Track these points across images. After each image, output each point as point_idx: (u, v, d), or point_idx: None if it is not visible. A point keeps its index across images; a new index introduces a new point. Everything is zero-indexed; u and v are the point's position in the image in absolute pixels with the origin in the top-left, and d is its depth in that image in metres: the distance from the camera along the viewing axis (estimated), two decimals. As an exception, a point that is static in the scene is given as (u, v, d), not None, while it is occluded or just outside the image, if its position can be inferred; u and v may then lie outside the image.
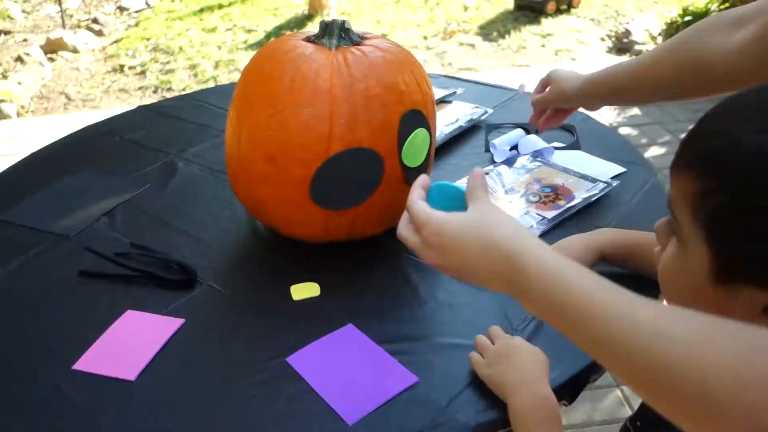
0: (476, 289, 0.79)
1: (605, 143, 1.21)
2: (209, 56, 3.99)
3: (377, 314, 0.83)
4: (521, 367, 0.68)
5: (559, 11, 4.49)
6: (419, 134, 0.87)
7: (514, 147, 1.19)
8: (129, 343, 0.79)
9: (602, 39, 4.12)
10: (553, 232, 0.96)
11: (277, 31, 4.40)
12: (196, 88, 3.50)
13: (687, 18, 3.47)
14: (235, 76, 3.65)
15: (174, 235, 1.00)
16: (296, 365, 0.74)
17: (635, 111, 3.02)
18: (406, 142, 0.85)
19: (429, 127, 0.90)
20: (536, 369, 0.68)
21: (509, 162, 1.15)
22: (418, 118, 0.87)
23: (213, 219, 1.04)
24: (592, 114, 1.21)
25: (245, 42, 4.24)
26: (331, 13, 4.57)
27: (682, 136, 0.53)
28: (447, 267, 0.56)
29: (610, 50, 3.95)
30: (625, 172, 1.10)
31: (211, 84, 3.63)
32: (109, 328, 0.81)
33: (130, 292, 0.88)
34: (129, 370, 0.74)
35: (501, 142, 1.19)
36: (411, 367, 0.74)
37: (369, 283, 0.89)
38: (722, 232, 0.47)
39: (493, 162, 1.16)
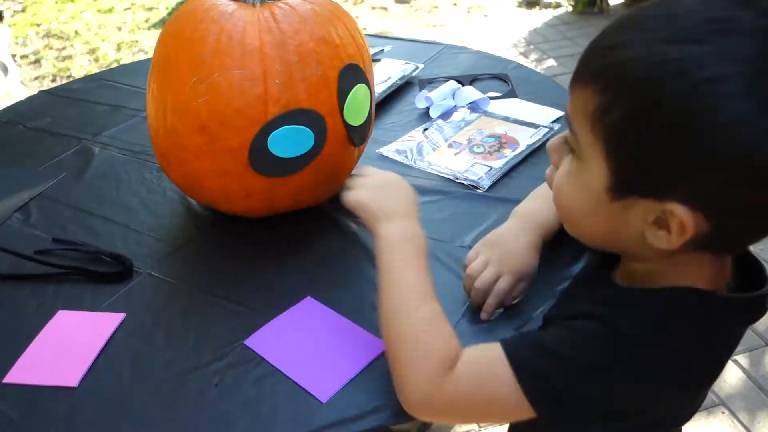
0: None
1: (540, 89, 1.19)
2: (109, 38, 3.74)
3: (335, 283, 0.78)
4: (397, 197, 0.68)
5: (467, -32, 4.48)
6: (360, 90, 0.82)
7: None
8: (65, 346, 0.71)
9: (510, -6, 4.15)
10: (502, 181, 0.94)
11: (178, 8, 4.18)
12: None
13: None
14: (140, 57, 3.44)
15: (101, 224, 0.91)
16: (256, 347, 0.69)
17: (567, 54, 3.04)
18: (347, 99, 0.80)
19: (368, 82, 0.85)
20: (410, 202, 0.68)
21: (446, 115, 1.12)
22: (356, 72, 0.82)
23: (142, 203, 0.95)
24: (524, 61, 1.20)
25: (147, 21, 4.00)
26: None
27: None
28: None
29: (520, 4, 3.98)
30: (563, 115, 1.09)
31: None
32: (39, 333, 0.73)
33: (60, 291, 0.79)
34: (70, 376, 0.67)
35: (437, 96, 1.15)
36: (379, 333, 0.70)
37: (321, 252, 0.84)
38: (620, 146, 0.47)
39: (429, 117, 1.13)
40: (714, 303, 0.51)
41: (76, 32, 3.83)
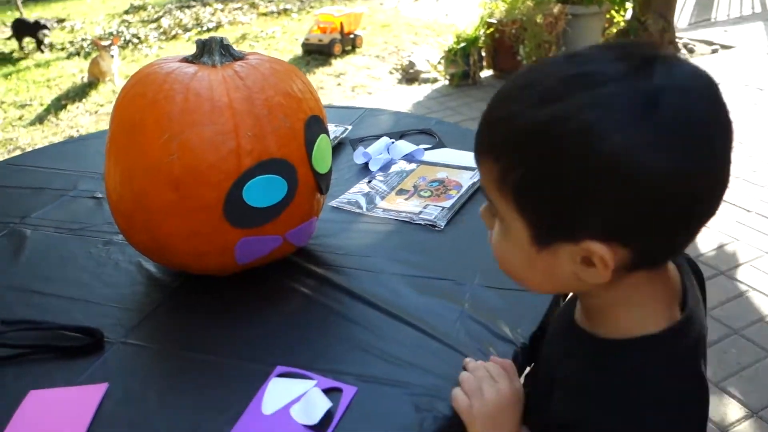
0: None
1: (463, 139, 1.29)
2: (-20, 138, 3.52)
3: (304, 343, 0.76)
4: (504, 426, 0.65)
5: (345, 52, 4.73)
6: (323, 140, 0.86)
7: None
8: (47, 425, 0.65)
9: (390, 72, 4.41)
10: (456, 218, 1.00)
11: (57, 103, 4.04)
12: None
13: (462, 44, 3.86)
14: (18, 154, 3.25)
15: (53, 302, 0.86)
16: None
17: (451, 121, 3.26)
18: (314, 148, 0.83)
19: (327, 133, 0.89)
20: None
21: (385, 167, 1.18)
22: (319, 123, 0.86)
23: (94, 277, 0.91)
24: (444, 117, 1.29)
25: (20, 118, 3.82)
26: (114, 79, 4.31)
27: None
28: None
29: (400, 81, 4.24)
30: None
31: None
32: (12, 418, 0.66)
33: (23, 373, 0.73)
34: (63, 454, 0.61)
35: (373, 151, 1.21)
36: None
37: (294, 304, 0.83)
38: (526, 203, 0.51)
39: (369, 171, 1.18)
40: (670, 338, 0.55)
41: (-59, 133, 3.57)
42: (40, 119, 3.80)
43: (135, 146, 0.78)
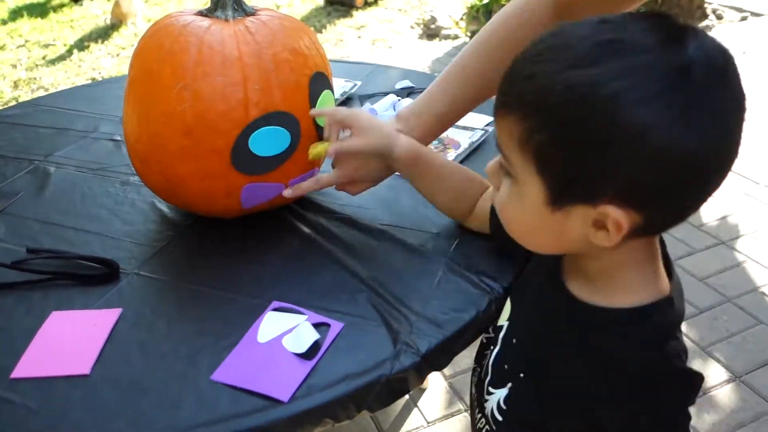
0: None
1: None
2: (4, 76, 3.60)
3: (299, 282, 0.83)
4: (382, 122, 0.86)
5: (367, 4, 4.70)
6: (326, 95, 0.91)
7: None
8: (67, 341, 0.73)
9: (411, 27, 4.39)
10: (451, 175, 1.05)
11: (80, 44, 4.09)
12: (-2, 110, 3.14)
13: (485, 1, 3.82)
14: (41, 94, 3.33)
15: (73, 235, 0.93)
16: (226, 379, 0.68)
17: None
18: (317, 103, 0.89)
19: (332, 89, 0.94)
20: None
21: (390, 125, 1.23)
22: (323, 80, 0.91)
23: (112, 213, 0.98)
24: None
25: (44, 57, 3.88)
26: (137, 21, 4.34)
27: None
28: None
29: (421, 36, 4.22)
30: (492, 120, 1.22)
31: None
32: (37, 332, 0.75)
33: (48, 296, 0.81)
34: (81, 365, 0.70)
35: (380, 108, 1.26)
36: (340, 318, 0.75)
37: (289, 251, 0.89)
38: (548, 164, 0.52)
39: (374, 127, 1.23)
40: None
41: (-33, 71, 3.65)
42: (62, 59, 3.86)
43: (152, 93, 0.84)
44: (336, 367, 0.69)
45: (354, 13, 4.59)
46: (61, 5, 4.86)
